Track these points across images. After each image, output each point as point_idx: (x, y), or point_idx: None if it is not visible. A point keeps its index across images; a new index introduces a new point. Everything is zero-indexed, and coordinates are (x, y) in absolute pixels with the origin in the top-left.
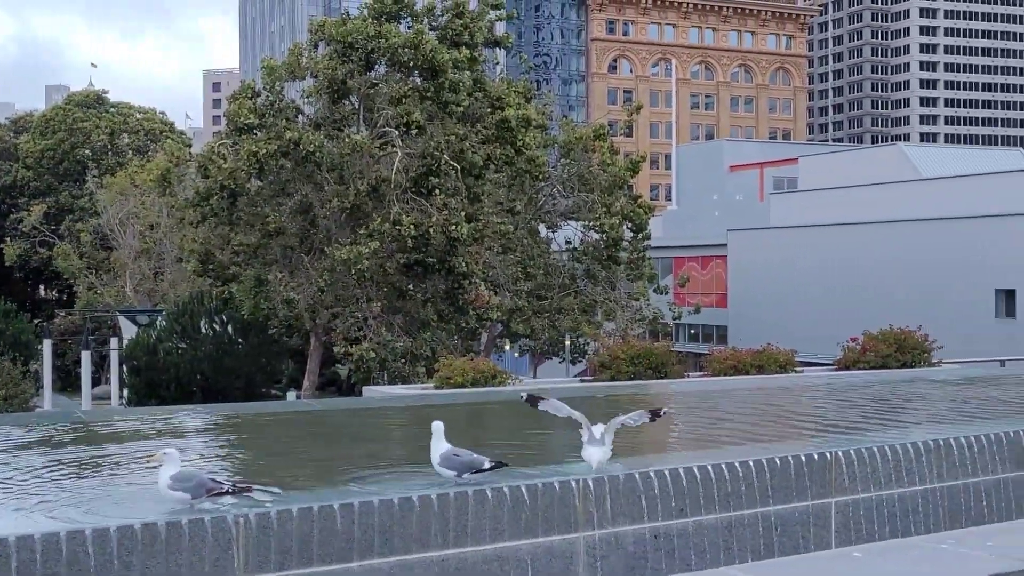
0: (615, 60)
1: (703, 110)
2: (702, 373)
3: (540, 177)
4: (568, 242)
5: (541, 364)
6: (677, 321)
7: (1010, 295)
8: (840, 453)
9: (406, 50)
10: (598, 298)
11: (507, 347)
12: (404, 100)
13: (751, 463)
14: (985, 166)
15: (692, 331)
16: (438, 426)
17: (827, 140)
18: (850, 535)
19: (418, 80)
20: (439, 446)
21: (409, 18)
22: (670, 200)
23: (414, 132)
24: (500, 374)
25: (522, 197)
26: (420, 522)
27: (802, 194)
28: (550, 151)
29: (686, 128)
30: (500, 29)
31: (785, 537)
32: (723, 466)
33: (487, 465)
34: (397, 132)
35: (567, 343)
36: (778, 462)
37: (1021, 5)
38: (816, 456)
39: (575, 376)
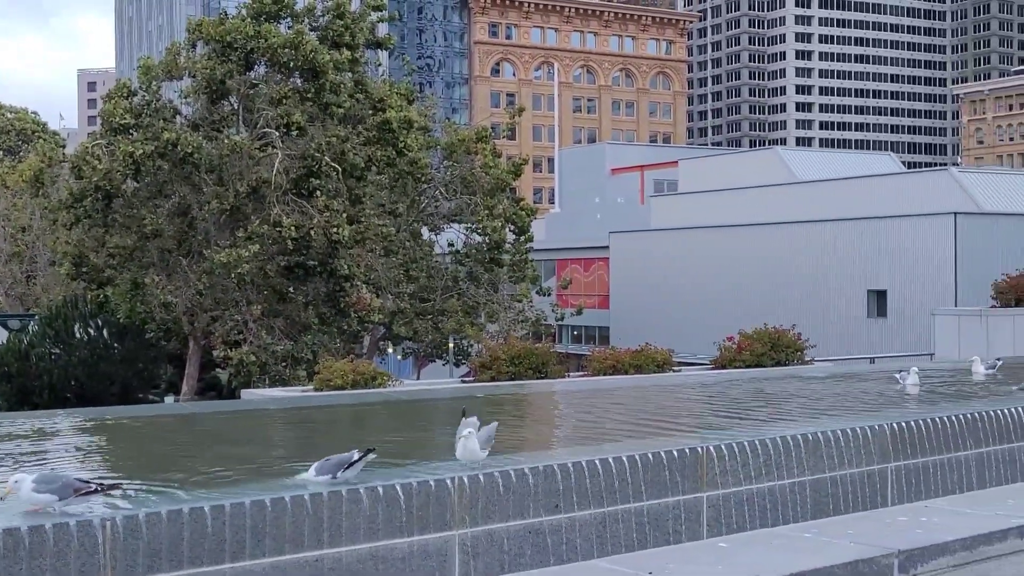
0: (498, 63)
1: (585, 113)
2: (582, 373)
3: (422, 179)
4: (451, 244)
5: (425, 367)
6: (560, 323)
7: (881, 295)
8: (712, 448)
9: (286, 51)
10: (481, 300)
11: (390, 350)
12: (284, 101)
13: (624, 459)
14: (857, 170)
15: (575, 332)
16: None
17: (707, 144)
18: (721, 529)
19: (299, 81)
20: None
21: (289, 18)
22: (553, 203)
23: (294, 133)
24: (380, 376)
25: (405, 199)
26: (293, 523)
27: (682, 196)
28: (433, 153)
29: (569, 131)
30: (383, 31)
31: (658, 531)
32: (597, 462)
33: (356, 456)
34: (277, 133)
35: (451, 345)
36: (651, 457)
37: (891, 13)
38: (688, 451)
39: (460, 378)
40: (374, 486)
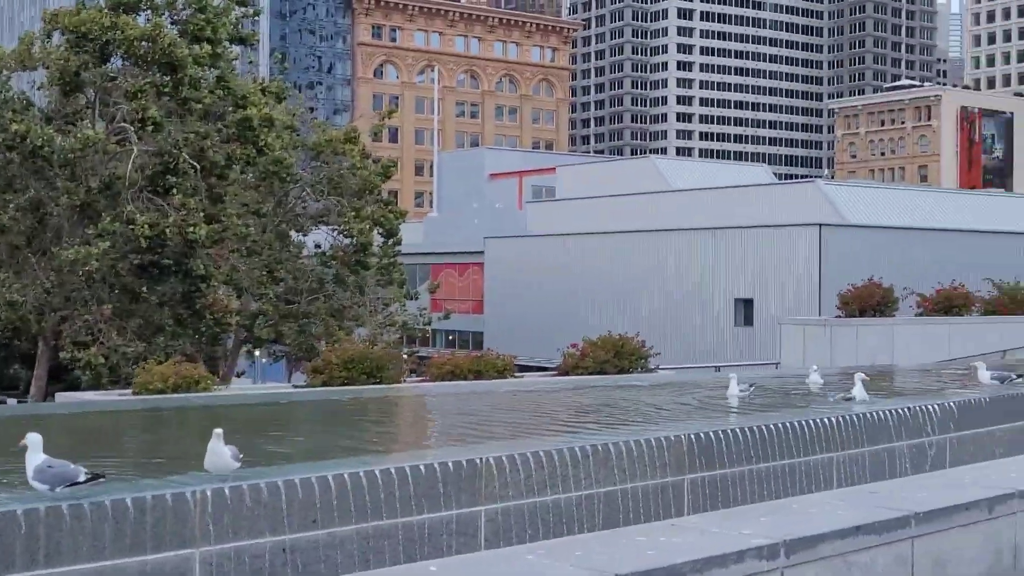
0: (381, 65)
1: (469, 118)
2: (421, 378)
3: (288, 179)
4: (318, 246)
5: (299, 369)
6: (426, 327)
7: (748, 304)
8: (492, 460)
9: (143, 43)
10: (347, 303)
11: (256, 353)
12: (141, 95)
13: (392, 471)
14: (730, 180)
15: (450, 337)
16: (34, 438)
17: (589, 151)
18: (499, 544)
19: (157, 75)
20: (34, 459)
21: (149, 10)
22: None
23: (150, 129)
24: (204, 379)
25: (271, 199)
26: (2, 541)
27: (559, 203)
28: (301, 153)
29: (451, 136)
30: (264, 26)
31: (430, 547)
32: (361, 474)
33: (82, 478)
34: (133, 128)
35: (322, 349)
36: (423, 470)
37: (771, 28)
38: (465, 463)
39: (293, 384)
40: (100, 501)
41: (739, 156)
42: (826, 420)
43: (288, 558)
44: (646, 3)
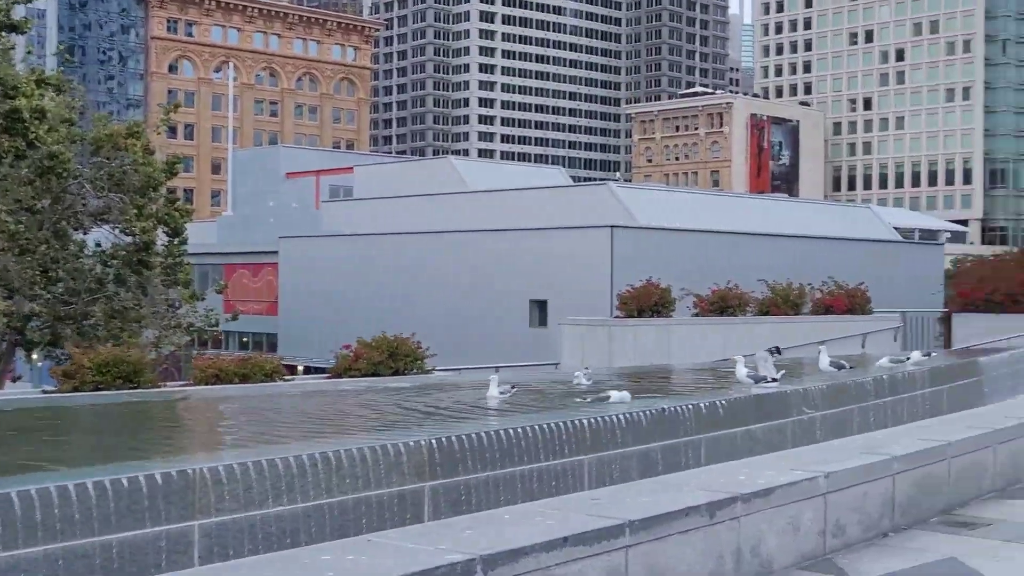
0: (176, 60)
1: (268, 116)
2: (184, 382)
3: (65, 175)
4: (98, 245)
5: None
6: (214, 328)
7: (542, 305)
8: (207, 471)
9: None
10: (128, 304)
11: (35, 356)
12: None
13: (90, 486)
14: (527, 181)
15: (244, 339)
16: None
17: (391, 152)
18: (214, 559)
19: None
20: None
21: None
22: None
23: None
24: None
25: (47, 195)
26: None
27: (356, 203)
28: (80, 147)
29: (250, 134)
30: (52, 17)
31: (134, 566)
32: (33, 492)
33: None
34: None
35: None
36: (125, 483)
37: (571, 33)
38: (175, 475)
39: (42, 388)
40: None
41: (541, 158)
42: (578, 422)
43: None
44: (448, 4)
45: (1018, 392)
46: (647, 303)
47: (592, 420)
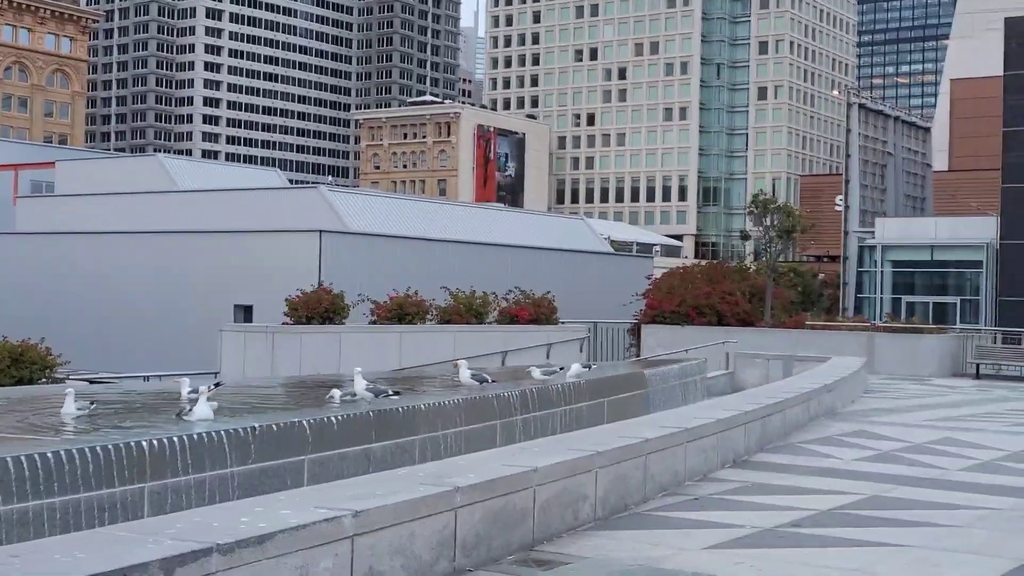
0: None
1: None
2: None
3: None
4: None
5: None
6: None
7: (248, 310)
8: None
9: None
10: None
11: None
12: None
13: None
14: (240, 182)
15: None
16: None
17: (109, 148)
18: None
19: None
20: None
21: None
22: None
23: None
24: None
25: None
26: None
27: (56, 199)
28: None
29: None
30: None
31: None
32: None
33: None
34: None
35: None
36: None
37: (301, 36)
38: None
39: None
40: None
41: (268, 161)
42: (143, 444)
43: None
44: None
45: (687, 402)
46: (317, 309)
47: (169, 440)
